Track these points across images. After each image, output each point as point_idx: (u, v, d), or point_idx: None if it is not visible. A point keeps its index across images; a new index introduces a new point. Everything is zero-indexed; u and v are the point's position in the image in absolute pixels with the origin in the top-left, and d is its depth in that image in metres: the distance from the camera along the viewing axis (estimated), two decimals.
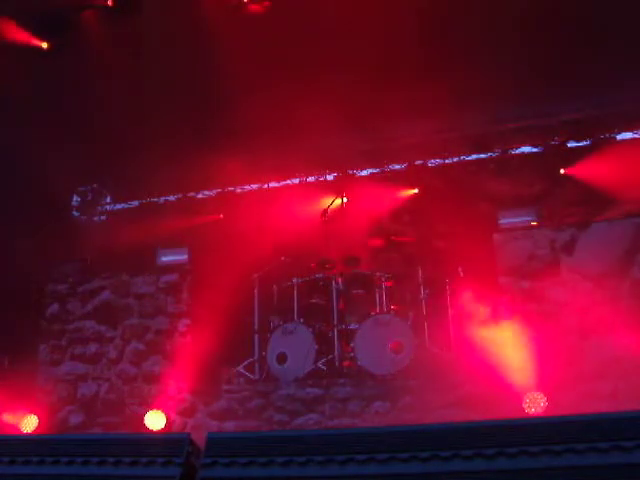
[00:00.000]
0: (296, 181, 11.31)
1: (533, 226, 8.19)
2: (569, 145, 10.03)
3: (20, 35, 8.10)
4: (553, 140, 10.09)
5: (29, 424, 8.63)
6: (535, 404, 7.15)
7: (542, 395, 7.19)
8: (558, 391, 7.24)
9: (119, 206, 12.10)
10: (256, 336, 9.20)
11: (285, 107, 8.31)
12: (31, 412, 8.72)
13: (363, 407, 7.82)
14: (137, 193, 11.88)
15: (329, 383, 8.17)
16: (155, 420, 8.38)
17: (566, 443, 3.20)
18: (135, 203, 11.94)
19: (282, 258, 9.43)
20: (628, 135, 9.83)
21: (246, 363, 9.03)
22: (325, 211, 9.38)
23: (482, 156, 10.49)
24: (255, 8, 7.43)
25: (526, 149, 10.30)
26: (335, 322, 8.83)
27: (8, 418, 8.50)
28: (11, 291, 9.12)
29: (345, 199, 9.64)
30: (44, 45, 8.30)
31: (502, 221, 8.41)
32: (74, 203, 11.87)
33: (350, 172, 11.09)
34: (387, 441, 3.47)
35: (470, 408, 7.25)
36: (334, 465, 3.43)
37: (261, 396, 8.36)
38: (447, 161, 10.69)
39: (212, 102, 9.00)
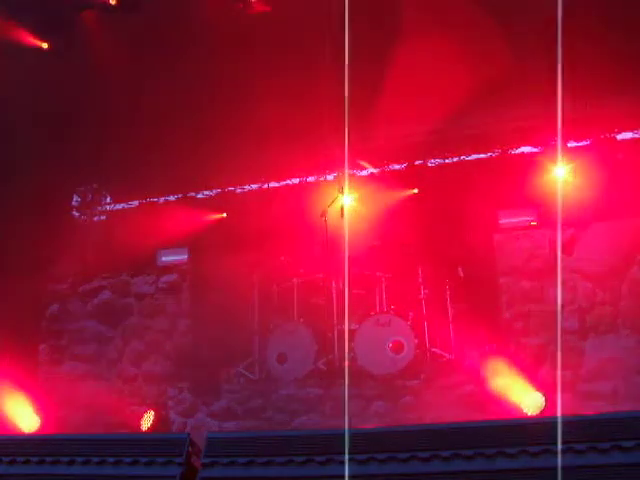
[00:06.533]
0: (296, 181, 11.29)
1: (533, 226, 8.18)
2: (569, 145, 10.01)
3: (20, 35, 8.09)
4: (553, 140, 10.07)
5: (30, 424, 8.63)
6: (533, 404, 7.14)
7: (541, 395, 7.19)
8: (558, 391, 7.23)
9: (119, 206, 12.08)
10: (256, 336, 9.19)
11: (285, 107, 8.30)
12: (31, 412, 8.71)
13: (363, 407, 7.81)
14: (137, 193, 11.87)
15: (329, 383, 8.16)
16: (149, 421, 8.36)
17: (566, 443, 3.20)
18: (135, 203, 11.92)
19: (282, 258, 9.43)
20: (628, 135, 9.81)
21: (246, 363, 9.03)
22: (325, 211, 9.37)
23: (482, 156, 10.47)
24: (258, 8, 7.43)
25: (526, 149, 10.28)
26: (335, 322, 8.82)
27: (8, 418, 8.49)
28: (11, 291, 9.11)
29: (345, 199, 9.63)
30: (44, 45, 8.29)
31: (502, 221, 8.40)
32: (74, 203, 11.86)
33: (350, 172, 11.06)
34: (387, 441, 3.47)
35: (470, 408, 7.25)
36: (334, 465, 3.43)
37: (261, 396, 8.36)
38: (447, 161, 10.67)
39: (213, 102, 9.00)
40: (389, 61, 8.13)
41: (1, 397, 8.47)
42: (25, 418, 8.64)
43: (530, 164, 9.85)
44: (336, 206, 9.42)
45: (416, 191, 10.47)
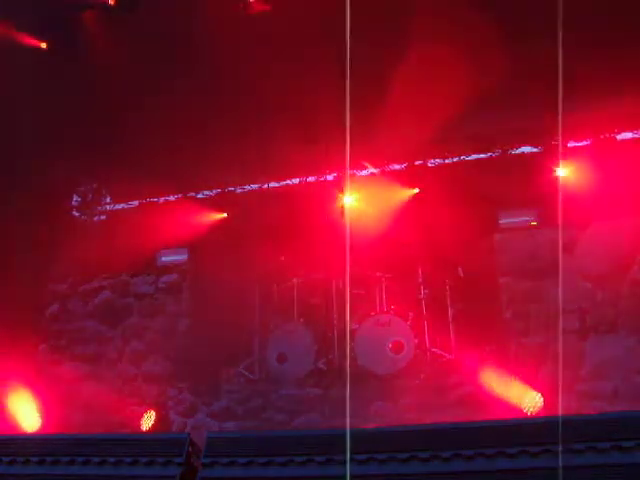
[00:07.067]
0: (296, 181, 11.29)
1: (533, 226, 8.18)
2: (569, 145, 10.01)
3: (20, 35, 8.10)
4: (553, 140, 10.06)
5: (31, 424, 8.63)
6: (532, 404, 7.15)
7: (540, 395, 7.19)
8: (558, 391, 7.23)
9: (119, 206, 12.08)
10: (256, 336, 9.20)
11: (286, 107, 8.30)
12: (32, 412, 8.72)
13: (363, 407, 7.82)
14: (137, 193, 11.87)
15: (329, 383, 8.17)
16: (149, 421, 8.38)
17: (566, 443, 3.20)
18: (135, 203, 11.92)
19: (282, 258, 9.43)
20: (628, 135, 9.81)
21: (246, 363, 9.03)
22: (325, 211, 9.37)
23: (482, 156, 10.46)
24: (258, 8, 7.44)
25: (526, 149, 10.27)
26: (335, 322, 8.82)
27: (10, 418, 8.50)
28: (11, 291, 9.11)
29: (346, 199, 9.64)
30: (43, 45, 8.30)
31: (502, 221, 8.41)
32: (74, 203, 11.86)
33: (351, 172, 11.06)
34: (387, 441, 3.47)
35: (470, 408, 7.25)
36: (334, 465, 3.43)
37: (261, 396, 8.36)
38: (447, 161, 10.67)
39: (213, 102, 9.00)
40: (390, 61, 8.12)
41: (3, 397, 8.48)
42: (26, 418, 8.65)
43: (530, 164, 9.84)
44: (337, 206, 9.43)
45: (416, 191, 10.48)
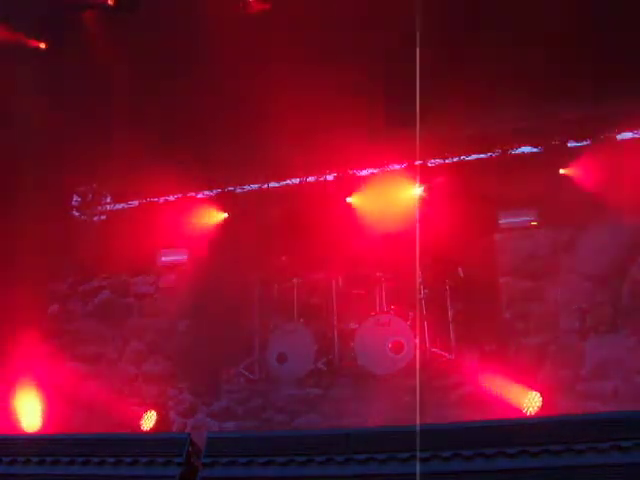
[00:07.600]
0: (296, 181, 11.29)
1: (533, 226, 8.18)
2: (569, 145, 10.01)
3: (19, 36, 8.10)
4: (553, 140, 10.07)
5: (31, 424, 8.63)
6: (532, 404, 7.16)
7: (539, 395, 7.19)
8: (558, 391, 7.24)
9: (119, 206, 12.08)
10: (256, 336, 9.20)
11: (286, 107, 8.30)
12: (32, 412, 8.72)
13: (363, 407, 7.82)
14: (137, 193, 11.87)
15: (329, 383, 8.17)
16: (150, 422, 8.38)
17: (566, 443, 3.20)
18: (135, 203, 11.92)
19: (282, 258, 9.43)
20: (628, 135, 9.81)
21: (246, 363, 9.03)
22: (325, 211, 9.37)
23: (482, 156, 10.46)
24: (257, 7, 7.44)
25: (526, 149, 10.27)
26: (335, 322, 8.82)
27: (10, 417, 8.50)
28: (11, 291, 9.12)
29: (346, 199, 9.64)
30: (42, 45, 8.30)
31: (502, 221, 8.41)
32: (74, 203, 11.86)
33: (350, 172, 11.06)
34: (387, 441, 3.47)
35: (470, 408, 7.25)
36: (334, 465, 3.43)
37: (261, 396, 8.36)
38: (447, 161, 10.67)
39: (213, 101, 9.00)
40: (390, 61, 8.12)
41: (3, 397, 8.48)
42: (26, 418, 8.65)
43: (530, 164, 9.84)
44: (337, 206, 9.43)
45: (417, 191, 10.48)
